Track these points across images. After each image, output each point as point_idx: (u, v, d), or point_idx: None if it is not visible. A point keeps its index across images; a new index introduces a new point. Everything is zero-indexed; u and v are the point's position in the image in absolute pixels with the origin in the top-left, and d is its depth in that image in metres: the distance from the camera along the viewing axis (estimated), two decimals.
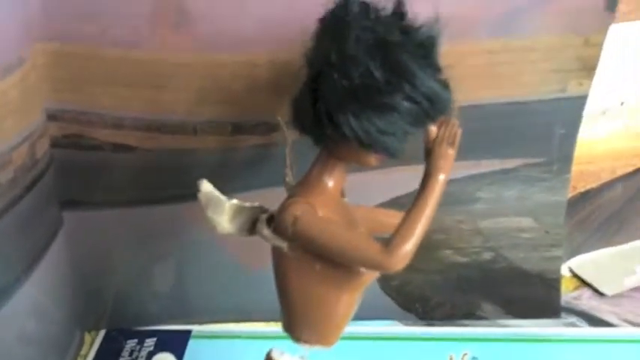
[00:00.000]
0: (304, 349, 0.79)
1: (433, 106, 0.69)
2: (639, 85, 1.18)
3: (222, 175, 0.90)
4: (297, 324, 0.79)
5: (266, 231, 0.75)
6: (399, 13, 0.71)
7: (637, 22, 1.10)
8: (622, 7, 1.04)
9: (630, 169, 1.25)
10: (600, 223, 1.27)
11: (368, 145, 0.68)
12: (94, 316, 1.18)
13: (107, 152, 1.01)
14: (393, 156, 0.70)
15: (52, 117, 0.96)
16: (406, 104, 0.67)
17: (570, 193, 1.17)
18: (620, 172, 1.24)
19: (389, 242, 0.67)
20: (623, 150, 1.23)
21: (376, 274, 0.77)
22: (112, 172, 1.03)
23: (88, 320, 1.18)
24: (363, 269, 0.73)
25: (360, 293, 0.78)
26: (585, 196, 1.23)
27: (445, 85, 0.71)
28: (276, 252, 0.76)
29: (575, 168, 1.10)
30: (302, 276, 0.76)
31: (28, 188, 0.93)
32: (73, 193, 1.05)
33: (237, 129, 0.98)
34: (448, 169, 0.71)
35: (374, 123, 0.67)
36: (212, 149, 1.00)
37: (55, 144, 0.99)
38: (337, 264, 0.72)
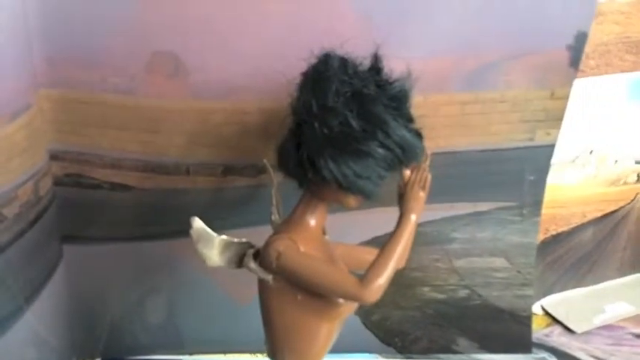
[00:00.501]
0: None
1: (405, 153, 0.73)
2: (607, 134, 1.22)
3: (213, 213, 0.92)
4: (280, 351, 0.82)
5: (252, 264, 0.78)
6: (375, 69, 0.75)
7: (604, 76, 1.15)
8: (590, 63, 1.12)
9: (599, 213, 1.28)
10: (571, 265, 1.30)
11: (346, 187, 0.73)
12: (90, 345, 1.17)
13: (105, 191, 1.03)
14: (368, 198, 0.75)
15: (54, 157, 0.99)
16: (380, 151, 0.72)
17: (543, 236, 1.22)
18: (590, 217, 1.28)
19: (364, 276, 0.71)
20: (593, 196, 1.27)
21: (354, 306, 0.80)
22: (109, 210, 1.05)
23: (84, 349, 1.17)
24: (341, 300, 0.76)
25: (340, 323, 0.82)
26: (557, 239, 1.26)
27: (417, 134, 0.75)
28: (262, 284, 0.79)
29: (547, 212, 1.15)
30: (285, 306, 0.79)
31: (32, 223, 0.95)
32: (72, 229, 1.06)
33: (228, 170, 1.01)
34: (419, 210, 0.76)
35: (351, 167, 0.71)
36: (204, 189, 1.02)
37: (57, 182, 1.01)
38: (317, 295, 0.76)
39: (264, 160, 0.85)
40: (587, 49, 1.08)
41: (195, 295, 1.13)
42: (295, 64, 0.77)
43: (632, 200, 1.31)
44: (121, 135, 0.99)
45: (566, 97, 1.00)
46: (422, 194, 0.77)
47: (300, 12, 0.90)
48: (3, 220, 0.88)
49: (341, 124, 0.72)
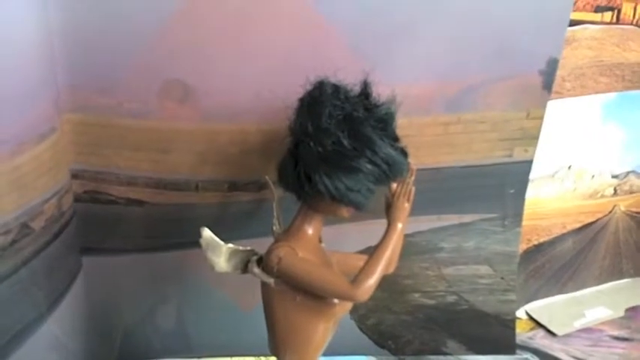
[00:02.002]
0: None
1: (391, 169, 0.78)
2: (584, 151, 1.28)
3: (220, 226, 0.93)
4: (282, 348, 0.86)
5: (256, 269, 0.83)
6: (364, 94, 0.81)
7: (579, 97, 1.21)
8: (566, 85, 1.18)
9: (578, 224, 1.33)
10: (554, 273, 1.34)
11: (339, 199, 0.78)
12: (106, 350, 1.19)
13: (121, 206, 1.06)
14: (359, 209, 0.80)
15: (75, 176, 1.02)
16: (369, 167, 0.77)
17: (525, 246, 1.27)
18: (569, 228, 1.33)
19: (356, 278, 0.77)
20: (572, 208, 1.32)
21: (348, 307, 0.86)
22: (124, 223, 1.08)
23: (100, 354, 1.18)
24: (335, 300, 0.81)
25: (335, 323, 0.87)
26: (539, 249, 1.31)
27: (402, 151, 0.80)
28: (265, 287, 0.84)
29: (528, 223, 1.19)
30: (285, 306, 0.83)
31: (56, 236, 0.99)
32: (91, 241, 1.09)
33: (233, 187, 1.05)
34: (404, 218, 0.82)
35: (343, 182, 0.77)
36: (211, 204, 1.06)
37: (77, 199, 1.04)
38: (315, 296, 0.81)
39: (266, 177, 0.89)
40: (563, 72, 1.14)
41: (203, 303, 1.15)
42: (293, 90, 0.82)
43: (610, 212, 1.36)
44: (136, 155, 1.02)
45: (540, 117, 1.05)
46: (407, 205, 0.82)
47: (297, 44, 0.94)
48: (31, 233, 0.92)
49: (334, 143, 0.77)
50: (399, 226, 0.81)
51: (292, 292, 0.82)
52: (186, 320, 1.18)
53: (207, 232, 0.87)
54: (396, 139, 0.81)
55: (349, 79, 0.82)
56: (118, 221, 1.09)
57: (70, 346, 1.11)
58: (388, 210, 0.83)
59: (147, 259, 1.12)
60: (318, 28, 0.94)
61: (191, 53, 0.95)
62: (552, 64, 1.01)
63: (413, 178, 0.85)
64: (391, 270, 0.88)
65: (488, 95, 1.02)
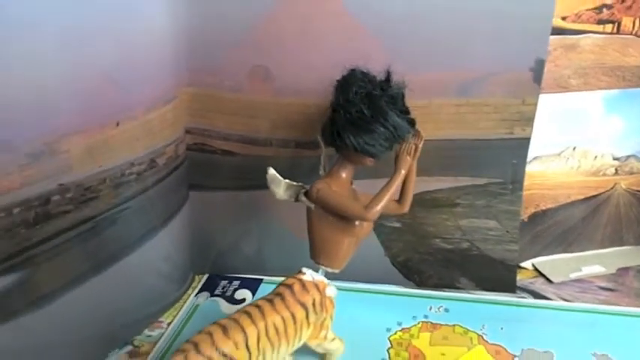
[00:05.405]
0: (322, 270, 1.09)
1: (396, 131, 1.02)
2: (588, 136, 1.43)
3: (288, 172, 1.10)
4: (318, 254, 1.09)
5: (303, 198, 1.07)
6: (387, 79, 1.03)
7: (584, 92, 1.37)
8: (572, 82, 1.35)
9: (581, 196, 1.47)
10: (558, 234, 1.48)
11: (360, 151, 1.01)
12: (203, 264, 1.43)
13: (219, 155, 1.28)
14: (375, 158, 1.03)
15: (187, 131, 1.26)
16: (381, 129, 1.00)
17: (533, 210, 1.44)
18: (573, 198, 1.46)
19: (367, 205, 1.01)
20: (575, 182, 1.46)
21: (367, 229, 1.09)
22: (220, 168, 1.30)
23: (198, 267, 1.43)
24: (357, 222, 1.05)
25: (357, 241, 1.09)
26: (545, 213, 1.46)
27: (408, 120, 1.03)
28: (308, 211, 1.08)
29: (537, 192, 1.39)
30: (321, 224, 1.07)
31: (172, 171, 1.22)
32: (196, 180, 1.31)
33: (297, 144, 1.26)
34: (406, 167, 1.06)
35: (363, 139, 1.00)
36: (282, 157, 1.26)
37: (188, 148, 1.27)
38: (342, 217, 1.04)
39: (318, 136, 1.08)
40: (569, 71, 1.32)
41: (273, 233, 1.36)
42: (336, 75, 1.04)
43: (612, 188, 1.49)
44: (231, 118, 1.24)
45: (534, 104, 1.20)
46: (409, 158, 1.07)
47: (343, 41, 1.15)
48: (156, 166, 1.17)
49: (357, 112, 0.99)
50: (402, 172, 1.06)
51: (326, 214, 1.06)
52: (261, 245, 1.40)
53: (271, 171, 1.10)
54: (403, 111, 1.03)
55: (378, 68, 1.03)
56: (216, 166, 1.30)
57: (176, 258, 1.33)
58: (396, 160, 1.07)
59: (235, 195, 1.35)
60: (359, 32, 1.14)
61: (271, 46, 1.17)
62: (539, 63, 1.17)
63: (422, 142, 1.07)
64: (405, 209, 1.13)
65: (490, 85, 1.18)
